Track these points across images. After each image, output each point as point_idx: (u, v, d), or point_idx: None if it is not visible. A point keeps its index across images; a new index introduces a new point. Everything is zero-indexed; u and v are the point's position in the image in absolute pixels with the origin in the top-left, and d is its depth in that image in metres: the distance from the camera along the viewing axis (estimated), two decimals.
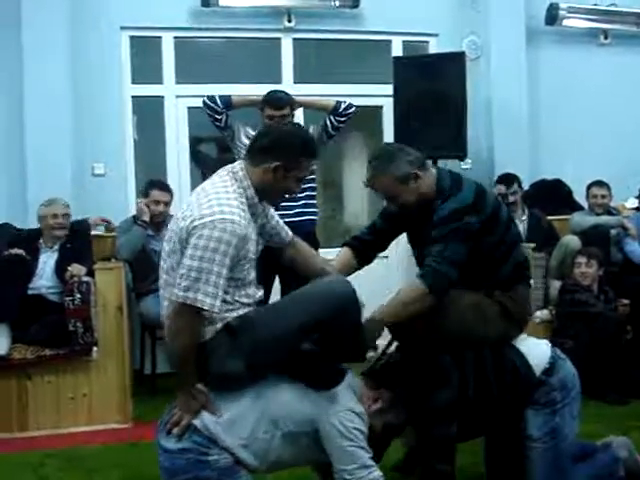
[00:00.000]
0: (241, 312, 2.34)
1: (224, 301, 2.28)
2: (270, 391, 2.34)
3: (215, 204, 2.25)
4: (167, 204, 4.65)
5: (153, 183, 4.75)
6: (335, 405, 2.32)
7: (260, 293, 2.48)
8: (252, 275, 2.41)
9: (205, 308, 2.21)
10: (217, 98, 4.32)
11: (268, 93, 4.29)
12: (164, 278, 2.39)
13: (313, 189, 4.38)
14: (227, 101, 4.33)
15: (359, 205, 6.80)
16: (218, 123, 4.34)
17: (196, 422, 2.30)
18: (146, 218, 4.54)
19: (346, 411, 2.32)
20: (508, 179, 5.21)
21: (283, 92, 4.39)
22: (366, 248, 2.94)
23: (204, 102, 4.34)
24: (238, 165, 2.42)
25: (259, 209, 2.43)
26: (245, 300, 2.37)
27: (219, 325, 2.30)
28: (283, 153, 2.37)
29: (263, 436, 2.30)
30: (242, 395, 2.33)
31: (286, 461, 2.44)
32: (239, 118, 4.45)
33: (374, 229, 2.97)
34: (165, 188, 4.70)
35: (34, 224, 4.46)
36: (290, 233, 2.68)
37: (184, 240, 2.26)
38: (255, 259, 2.43)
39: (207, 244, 2.20)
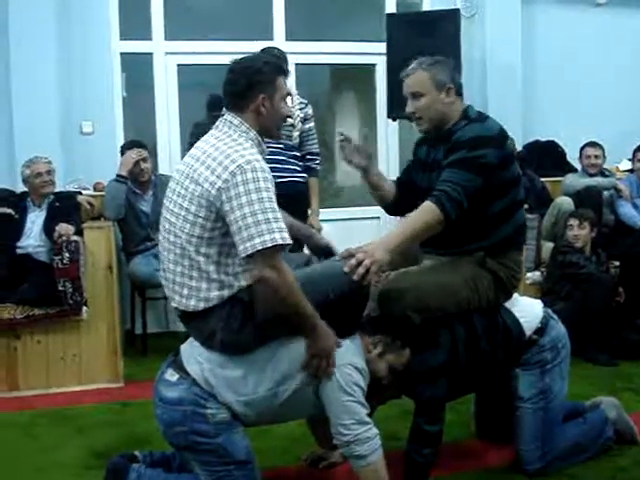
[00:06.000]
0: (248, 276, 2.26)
1: (226, 272, 2.25)
2: (276, 349, 2.33)
3: (232, 152, 2.22)
4: (145, 160, 4.58)
5: (125, 145, 4.73)
6: (337, 359, 2.31)
7: None
8: None
9: (280, 243, 2.13)
10: None
11: (263, 50, 4.19)
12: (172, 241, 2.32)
13: None
14: None
15: None
16: None
17: (195, 375, 2.31)
18: (123, 172, 4.48)
19: (347, 365, 2.32)
20: None
21: (277, 49, 4.27)
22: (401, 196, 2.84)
23: None
24: (228, 116, 2.36)
25: (262, 150, 2.38)
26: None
27: (226, 292, 2.26)
28: (259, 85, 2.33)
29: (267, 393, 2.31)
30: (248, 354, 2.33)
31: (287, 416, 2.47)
32: None
33: (399, 184, 2.87)
34: (138, 145, 4.64)
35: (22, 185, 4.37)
36: None
37: (216, 200, 2.18)
38: None
39: (247, 188, 2.15)
